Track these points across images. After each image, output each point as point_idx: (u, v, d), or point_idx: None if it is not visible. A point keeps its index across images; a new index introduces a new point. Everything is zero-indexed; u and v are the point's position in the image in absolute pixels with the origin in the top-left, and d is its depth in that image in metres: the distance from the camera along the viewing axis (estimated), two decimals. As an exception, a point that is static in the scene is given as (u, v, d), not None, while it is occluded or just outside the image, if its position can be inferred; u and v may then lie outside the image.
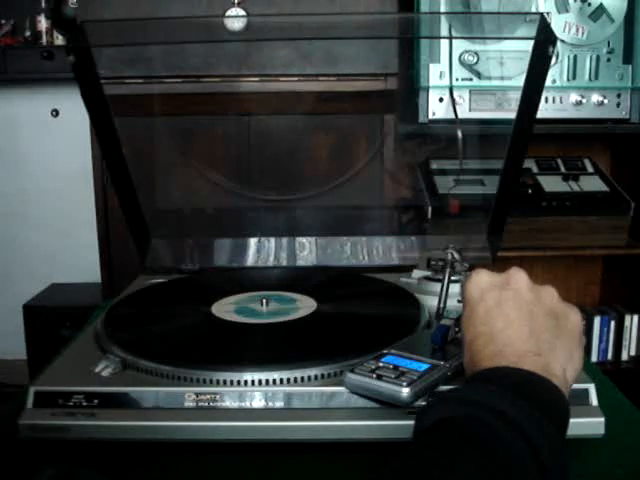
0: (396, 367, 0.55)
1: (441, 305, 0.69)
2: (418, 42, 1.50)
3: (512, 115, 0.82)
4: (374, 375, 0.54)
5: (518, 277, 0.52)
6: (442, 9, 1.45)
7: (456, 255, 0.80)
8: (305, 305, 0.74)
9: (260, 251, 0.99)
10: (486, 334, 0.50)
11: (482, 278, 0.53)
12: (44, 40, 2.23)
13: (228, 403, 0.56)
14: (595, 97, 1.53)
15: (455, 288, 0.79)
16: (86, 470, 0.38)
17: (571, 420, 0.46)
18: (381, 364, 0.55)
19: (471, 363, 0.50)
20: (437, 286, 0.80)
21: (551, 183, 1.64)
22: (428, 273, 0.83)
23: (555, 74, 1.51)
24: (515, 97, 0.84)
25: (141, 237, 0.95)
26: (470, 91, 1.52)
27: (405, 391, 0.52)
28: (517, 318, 0.50)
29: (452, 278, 0.80)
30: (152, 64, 1.54)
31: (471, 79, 1.51)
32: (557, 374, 0.47)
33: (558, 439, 0.42)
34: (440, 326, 0.62)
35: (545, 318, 0.50)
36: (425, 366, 0.55)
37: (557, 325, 0.50)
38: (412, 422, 0.45)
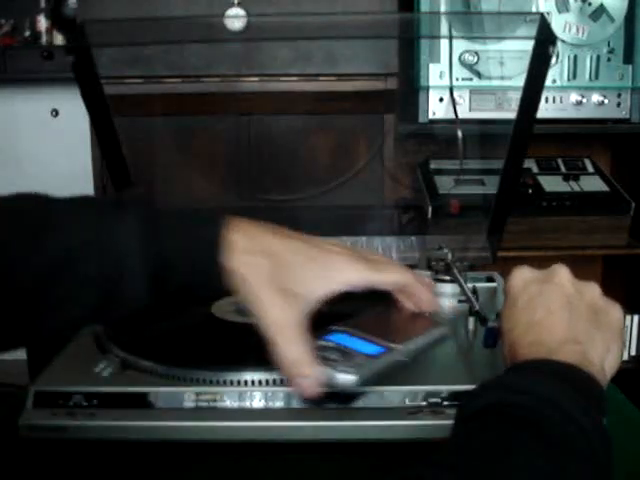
0: (344, 348, 0.50)
1: (476, 307, 0.68)
2: (418, 42, 1.50)
3: (512, 115, 0.82)
4: (317, 357, 0.49)
5: (560, 272, 0.54)
6: (442, 9, 1.45)
7: (449, 256, 0.80)
8: (305, 305, 0.74)
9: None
10: (526, 323, 0.51)
11: (525, 272, 0.55)
12: (44, 40, 2.22)
13: (228, 403, 0.56)
14: (595, 97, 1.53)
15: (455, 289, 0.79)
16: None
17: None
18: (329, 344, 0.51)
19: (509, 352, 0.51)
20: (437, 286, 0.80)
21: (551, 183, 1.64)
22: (428, 273, 0.83)
23: (555, 74, 1.51)
24: (515, 97, 0.84)
25: (141, 237, 0.94)
26: (470, 91, 1.52)
27: (350, 378, 0.47)
28: (557, 308, 0.51)
29: (447, 278, 0.80)
30: (152, 64, 1.54)
31: (471, 79, 1.51)
32: (595, 362, 0.48)
33: (602, 425, 0.43)
34: (488, 329, 0.62)
35: (585, 311, 0.52)
36: (378, 349, 0.50)
37: (597, 319, 0.52)
38: (412, 422, 0.45)
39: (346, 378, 0.47)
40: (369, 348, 0.50)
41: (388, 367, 0.50)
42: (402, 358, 0.51)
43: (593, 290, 0.54)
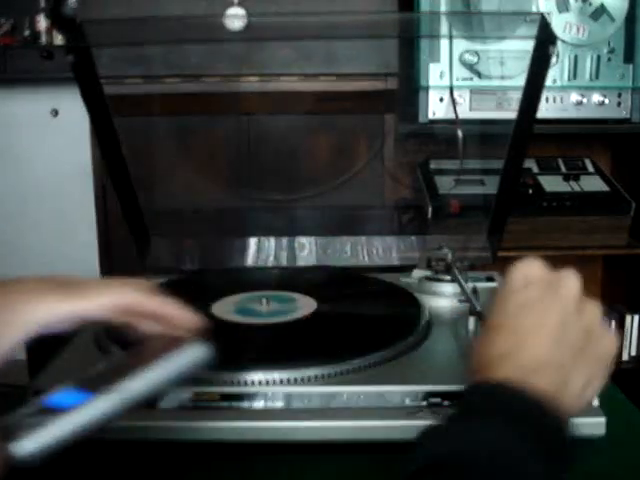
0: (49, 409, 0.39)
1: (477, 308, 0.67)
2: (418, 42, 1.50)
3: (512, 115, 0.82)
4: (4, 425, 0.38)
5: (569, 284, 0.48)
6: (442, 9, 1.45)
7: (450, 255, 0.80)
8: (305, 305, 0.74)
9: (260, 251, 0.98)
10: (510, 328, 0.46)
11: (532, 268, 0.49)
12: (44, 40, 2.22)
13: (228, 403, 0.56)
14: (596, 97, 1.53)
15: (455, 289, 0.79)
16: None
17: (571, 420, 0.45)
18: (33, 407, 0.40)
19: (480, 351, 0.46)
20: (437, 286, 0.80)
21: (551, 183, 1.63)
22: (428, 273, 0.83)
23: (555, 74, 1.51)
24: (515, 97, 0.84)
25: (141, 237, 0.95)
26: (470, 91, 1.52)
27: (21, 447, 0.37)
28: (549, 325, 0.46)
29: (447, 278, 0.80)
30: (152, 64, 1.54)
31: (471, 79, 1.51)
32: (572, 393, 0.45)
33: (560, 474, 0.41)
34: None
35: (578, 335, 0.47)
36: (80, 402, 0.39)
37: (588, 346, 0.47)
38: (412, 422, 0.45)
39: (18, 447, 0.37)
40: (77, 402, 0.39)
41: (90, 420, 0.39)
42: (112, 408, 0.40)
43: (593, 313, 0.48)
